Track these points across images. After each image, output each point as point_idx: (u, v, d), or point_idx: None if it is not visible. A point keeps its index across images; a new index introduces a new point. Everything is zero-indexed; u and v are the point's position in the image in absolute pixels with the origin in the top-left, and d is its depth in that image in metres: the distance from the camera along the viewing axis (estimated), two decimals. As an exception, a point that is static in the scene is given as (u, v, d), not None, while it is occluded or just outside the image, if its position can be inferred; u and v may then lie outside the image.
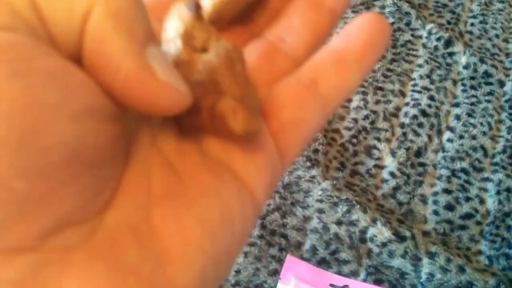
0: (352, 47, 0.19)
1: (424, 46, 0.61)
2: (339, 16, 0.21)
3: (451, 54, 0.59)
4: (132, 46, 0.13)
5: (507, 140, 0.52)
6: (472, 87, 0.56)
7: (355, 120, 0.53)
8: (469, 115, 0.54)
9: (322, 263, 0.44)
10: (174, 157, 0.16)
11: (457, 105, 0.55)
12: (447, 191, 0.48)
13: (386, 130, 0.53)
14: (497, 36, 0.62)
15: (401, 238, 0.44)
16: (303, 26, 0.21)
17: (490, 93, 0.56)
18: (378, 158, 0.51)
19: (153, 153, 0.16)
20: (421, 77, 0.57)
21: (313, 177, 0.48)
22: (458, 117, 0.54)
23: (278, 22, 0.21)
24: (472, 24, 0.64)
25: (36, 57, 0.12)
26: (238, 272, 0.43)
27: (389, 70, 0.58)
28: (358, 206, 0.45)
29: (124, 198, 0.14)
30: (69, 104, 0.12)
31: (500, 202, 0.47)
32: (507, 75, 0.58)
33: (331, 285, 0.42)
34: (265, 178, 0.17)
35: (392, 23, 0.63)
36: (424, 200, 0.48)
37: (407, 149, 0.51)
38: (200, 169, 0.16)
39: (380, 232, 0.44)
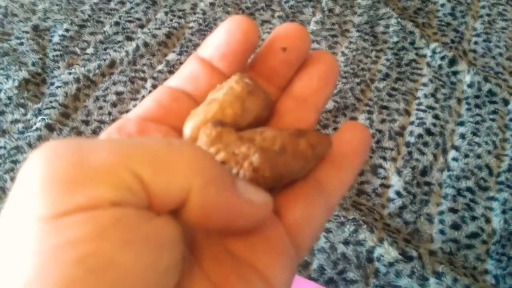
0: (345, 152, 0.22)
1: (428, 65, 0.62)
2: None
3: (455, 73, 0.60)
4: (230, 199, 0.16)
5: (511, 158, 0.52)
6: (477, 106, 0.57)
7: (361, 139, 0.54)
8: (474, 134, 0.54)
9: (330, 283, 0.44)
10: (208, 265, 0.18)
11: (461, 124, 0.56)
12: (453, 210, 0.49)
13: (392, 149, 0.53)
14: (500, 54, 0.63)
15: (408, 258, 0.44)
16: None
17: (494, 112, 0.56)
18: (384, 177, 0.51)
19: (192, 264, 0.17)
20: (425, 96, 0.58)
21: (320, 196, 0.49)
22: (463, 136, 0.54)
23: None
24: (475, 43, 0.65)
25: (141, 226, 0.14)
26: None
27: (394, 89, 0.59)
28: (365, 226, 0.46)
29: None
30: (163, 262, 0.14)
31: (506, 221, 0.48)
32: (511, 94, 0.58)
33: (338, 305, 0.43)
34: (287, 276, 0.19)
35: (397, 42, 0.64)
36: (430, 219, 0.48)
37: (413, 168, 0.52)
38: (232, 278, 0.17)
39: (387, 251, 0.44)
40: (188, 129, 0.20)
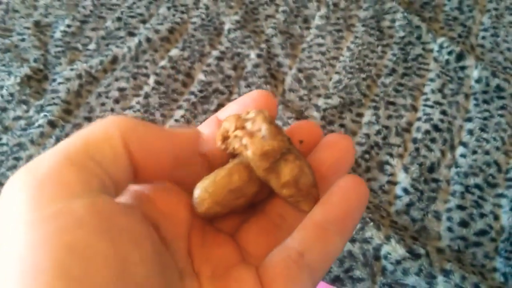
0: (333, 217, 0.20)
1: (435, 60, 0.61)
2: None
3: (462, 68, 0.59)
4: (159, 132, 0.20)
5: (520, 155, 0.52)
6: (485, 101, 0.56)
7: (367, 136, 0.53)
8: (482, 129, 0.54)
9: (336, 281, 0.44)
10: None
11: (469, 119, 0.55)
12: (461, 208, 0.48)
13: (399, 146, 0.52)
14: (508, 49, 0.62)
15: (415, 256, 0.43)
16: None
17: (502, 107, 0.55)
18: (391, 174, 0.50)
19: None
20: (433, 91, 0.57)
21: (326, 193, 0.48)
22: (471, 132, 0.53)
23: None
24: (483, 37, 0.64)
25: (113, 217, 0.16)
26: None
27: (400, 84, 0.58)
28: (371, 223, 0.45)
29: None
30: (140, 252, 0.16)
31: (515, 218, 0.47)
32: (520, 89, 0.57)
33: (345, 303, 0.42)
34: None
35: (403, 37, 0.64)
36: (438, 216, 0.48)
37: (420, 164, 0.51)
38: None
39: (394, 249, 0.44)
40: (197, 190, 0.21)
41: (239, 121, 0.21)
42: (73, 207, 0.15)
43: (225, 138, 0.21)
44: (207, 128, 0.23)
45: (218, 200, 0.21)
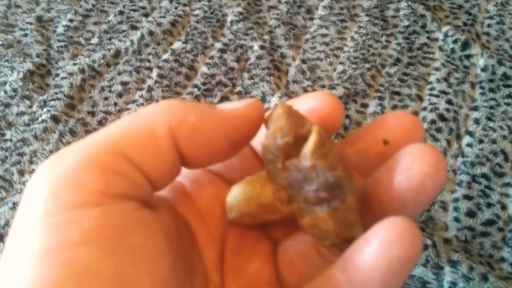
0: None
1: (440, 48, 0.60)
2: None
3: (468, 57, 0.59)
4: (211, 113, 0.17)
5: (528, 143, 0.51)
6: (491, 90, 0.55)
7: (372, 126, 0.53)
8: (489, 118, 0.53)
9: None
10: None
11: (475, 108, 0.54)
12: (467, 197, 0.47)
13: (404, 136, 0.52)
14: (515, 36, 0.61)
15: (422, 247, 0.43)
16: None
17: (509, 96, 0.55)
18: (397, 165, 0.50)
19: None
20: (438, 80, 0.56)
21: (331, 185, 0.48)
22: (477, 121, 0.53)
23: None
24: (489, 25, 0.63)
25: (126, 234, 0.14)
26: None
27: (405, 74, 0.57)
28: (377, 214, 0.45)
29: None
30: (151, 274, 0.14)
31: (522, 207, 0.46)
32: (527, 77, 0.57)
33: (352, 295, 0.42)
34: None
35: (407, 26, 0.63)
36: (444, 207, 0.47)
37: (426, 154, 0.50)
38: None
39: (401, 240, 0.43)
40: (230, 193, 0.19)
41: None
42: (82, 218, 0.14)
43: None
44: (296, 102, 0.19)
45: (246, 211, 0.18)
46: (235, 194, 0.18)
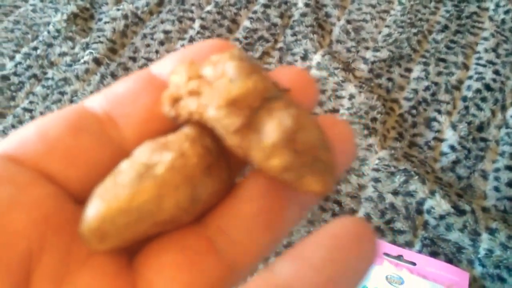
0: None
1: (490, 18, 0.58)
2: None
3: (519, 28, 0.57)
4: None
5: None
6: (541, 63, 0.54)
7: (415, 91, 0.52)
8: (537, 92, 0.51)
9: (376, 232, 0.43)
10: None
11: (524, 81, 0.53)
12: (509, 168, 0.46)
13: (448, 103, 0.51)
14: None
15: (460, 212, 0.43)
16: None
17: (560, 71, 0.53)
18: (438, 131, 0.49)
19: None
20: (486, 50, 0.55)
21: (370, 145, 0.47)
22: (524, 93, 0.51)
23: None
24: (543, -2, 0.61)
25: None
26: (290, 234, 0.43)
27: (452, 41, 0.56)
28: (416, 177, 0.44)
29: None
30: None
31: None
32: None
33: (385, 254, 0.42)
34: None
35: (458, -6, 0.61)
36: (484, 176, 0.46)
37: (469, 123, 0.49)
38: None
39: (439, 204, 0.43)
40: (91, 213, 0.12)
41: (194, 68, 0.13)
42: None
43: (176, 100, 0.13)
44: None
45: (129, 238, 0.12)
46: (108, 210, 0.12)
